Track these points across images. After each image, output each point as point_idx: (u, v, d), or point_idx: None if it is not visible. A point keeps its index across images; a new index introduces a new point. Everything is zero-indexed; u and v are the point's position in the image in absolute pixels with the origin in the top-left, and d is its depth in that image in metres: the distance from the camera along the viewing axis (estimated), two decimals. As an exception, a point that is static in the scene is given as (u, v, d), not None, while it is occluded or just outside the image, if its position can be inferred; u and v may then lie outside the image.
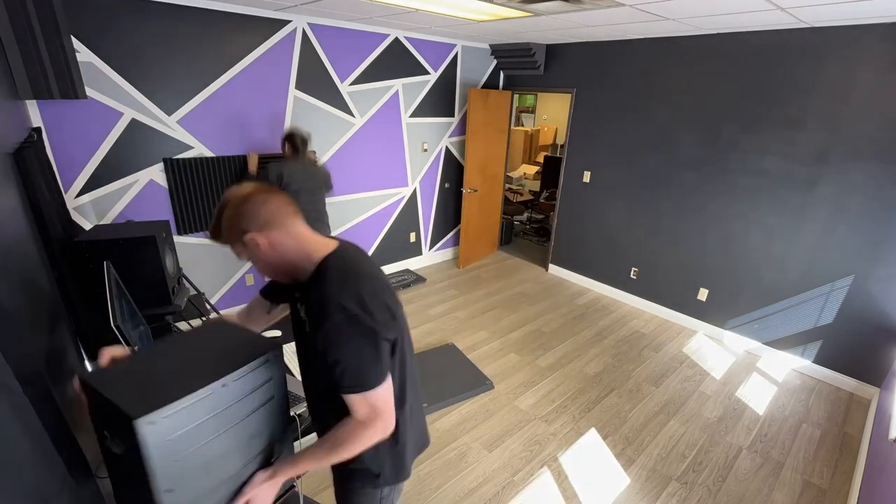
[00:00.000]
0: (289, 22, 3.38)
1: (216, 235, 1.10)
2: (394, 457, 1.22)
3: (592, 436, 2.72)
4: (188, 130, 3.16)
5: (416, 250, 5.13)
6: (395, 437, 1.17)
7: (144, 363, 1.07)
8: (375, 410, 1.04)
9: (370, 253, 4.63)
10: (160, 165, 3.11)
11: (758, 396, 3.15)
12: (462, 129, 4.97)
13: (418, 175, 4.78)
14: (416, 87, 4.39)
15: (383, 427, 1.07)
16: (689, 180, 3.80)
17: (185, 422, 0.92)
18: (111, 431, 0.93)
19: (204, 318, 2.94)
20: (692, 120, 3.68)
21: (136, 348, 1.37)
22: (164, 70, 2.94)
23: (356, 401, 1.03)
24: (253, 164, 3.33)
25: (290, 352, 2.05)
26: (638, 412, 2.93)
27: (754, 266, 3.57)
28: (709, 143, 3.62)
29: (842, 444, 2.75)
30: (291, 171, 3.06)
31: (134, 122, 2.94)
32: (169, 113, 3.05)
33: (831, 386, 3.33)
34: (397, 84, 4.23)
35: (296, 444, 1.48)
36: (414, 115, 4.48)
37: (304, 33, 3.49)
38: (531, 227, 6.63)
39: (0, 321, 1.00)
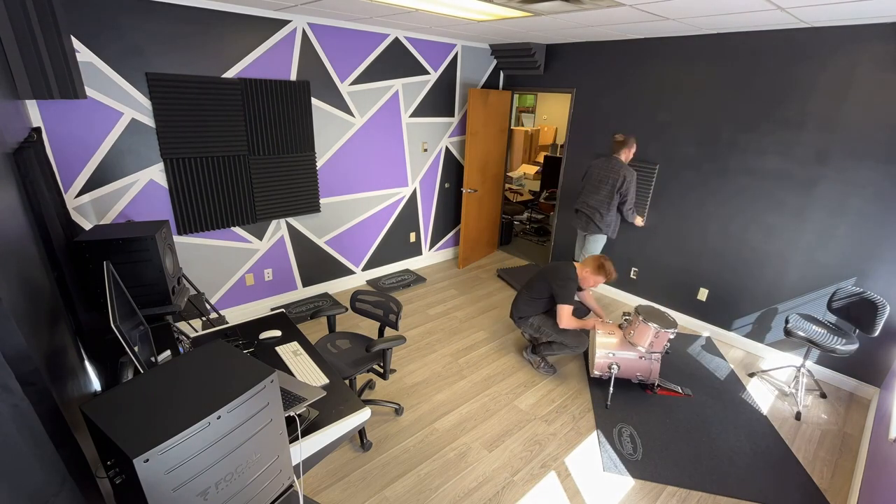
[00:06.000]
0: (289, 22, 3.38)
1: None
2: None
3: (593, 435, 2.72)
4: (188, 130, 3.16)
5: (416, 250, 5.13)
6: None
7: (143, 391, 1.07)
8: None
9: (370, 253, 4.64)
10: (160, 165, 3.11)
11: (759, 397, 3.15)
12: (462, 129, 4.97)
13: (418, 175, 4.78)
14: (416, 87, 4.39)
15: None
16: (689, 180, 3.80)
17: (182, 455, 0.93)
18: (113, 462, 0.94)
19: (204, 318, 2.95)
20: (692, 120, 3.68)
21: (136, 348, 1.37)
22: (164, 70, 2.94)
23: None
24: None
25: (289, 352, 2.05)
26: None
27: (754, 266, 3.57)
28: (708, 142, 3.62)
29: (842, 444, 2.76)
30: None
31: (134, 122, 2.94)
32: (169, 113, 3.05)
33: (831, 386, 3.33)
34: (397, 84, 4.23)
35: (295, 444, 1.48)
36: (414, 115, 4.48)
37: (304, 33, 3.49)
38: (531, 227, 6.64)
39: (0, 321, 1.00)
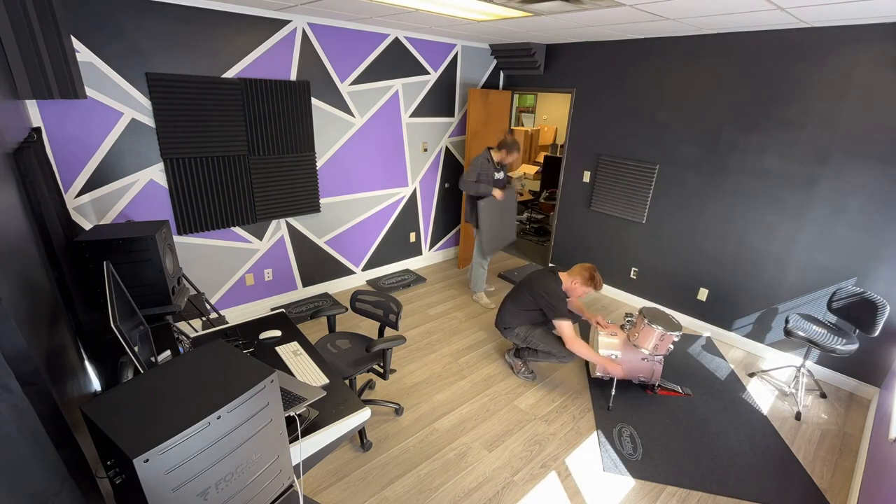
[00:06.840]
0: (289, 22, 3.38)
1: None
2: None
3: (593, 436, 2.72)
4: (188, 130, 3.16)
5: (416, 250, 5.13)
6: None
7: (143, 391, 1.07)
8: None
9: (370, 253, 4.64)
10: (160, 165, 3.11)
11: (759, 397, 3.15)
12: (462, 129, 4.97)
13: (418, 175, 4.78)
14: (416, 87, 4.39)
15: None
16: (689, 180, 3.80)
17: (182, 455, 0.93)
18: (113, 462, 0.94)
19: (204, 318, 2.95)
20: (692, 120, 3.68)
21: (136, 348, 1.37)
22: (164, 70, 2.94)
23: None
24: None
25: (289, 352, 2.05)
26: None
27: (754, 266, 3.57)
28: (708, 142, 3.62)
29: (842, 444, 2.76)
30: None
31: (134, 122, 2.94)
32: (169, 113, 3.05)
33: (831, 386, 3.33)
34: (397, 84, 4.22)
35: (295, 444, 1.48)
36: (414, 115, 4.48)
37: (304, 33, 3.49)
38: (531, 227, 6.64)
39: (0, 321, 1.00)
